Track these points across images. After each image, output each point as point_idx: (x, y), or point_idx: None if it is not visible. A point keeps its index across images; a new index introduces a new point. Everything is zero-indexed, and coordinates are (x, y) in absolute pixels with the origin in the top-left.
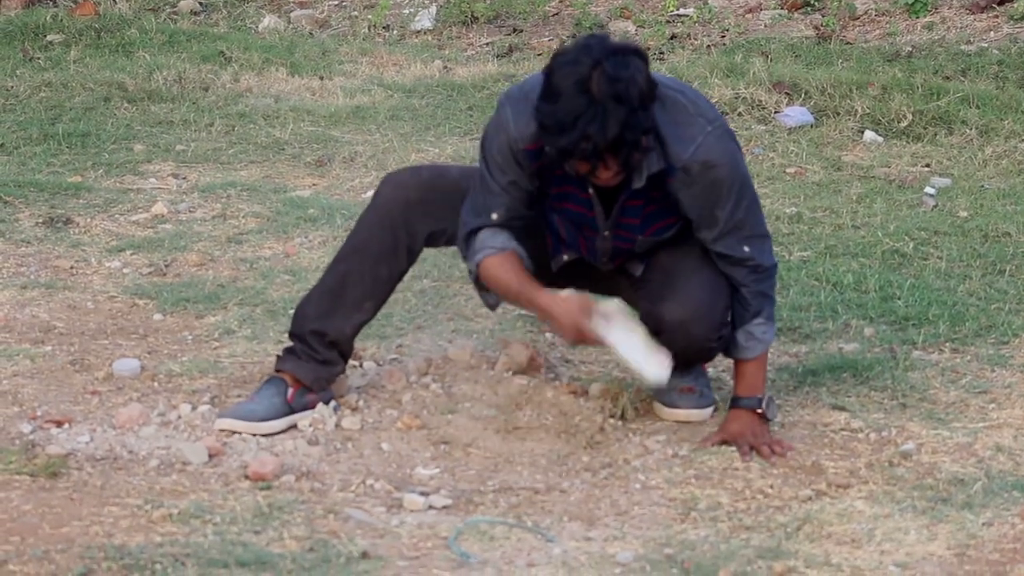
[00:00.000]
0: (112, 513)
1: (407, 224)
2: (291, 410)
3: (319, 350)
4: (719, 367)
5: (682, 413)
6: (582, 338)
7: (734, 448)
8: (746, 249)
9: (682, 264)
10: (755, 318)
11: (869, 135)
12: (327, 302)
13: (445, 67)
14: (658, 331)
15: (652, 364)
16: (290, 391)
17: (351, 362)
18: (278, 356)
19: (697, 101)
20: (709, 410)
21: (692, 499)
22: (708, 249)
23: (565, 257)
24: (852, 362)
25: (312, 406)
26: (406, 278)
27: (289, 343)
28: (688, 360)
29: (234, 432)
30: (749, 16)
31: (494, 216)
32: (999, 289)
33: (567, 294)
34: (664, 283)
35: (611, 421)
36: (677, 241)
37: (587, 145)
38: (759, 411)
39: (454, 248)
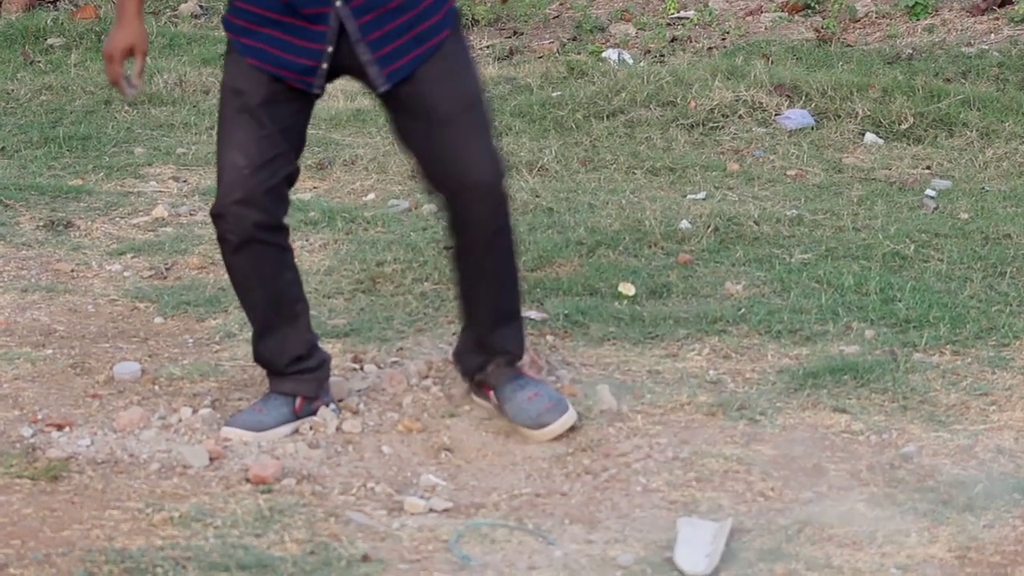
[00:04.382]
0: (113, 516)
1: (262, 233)
2: (298, 418)
3: (306, 364)
4: (720, 370)
5: (557, 427)
6: (109, 76)
7: (736, 450)
8: None
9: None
10: None
11: (870, 137)
12: (276, 337)
13: None
14: (451, 206)
15: None
16: (298, 401)
17: (352, 365)
18: (270, 379)
19: None
20: (571, 409)
21: (693, 501)
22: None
23: None
24: (853, 364)
25: (315, 411)
26: (407, 280)
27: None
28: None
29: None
30: (750, 19)
31: None
32: (1000, 291)
33: (134, 36)
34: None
35: (612, 423)
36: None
37: None
38: None
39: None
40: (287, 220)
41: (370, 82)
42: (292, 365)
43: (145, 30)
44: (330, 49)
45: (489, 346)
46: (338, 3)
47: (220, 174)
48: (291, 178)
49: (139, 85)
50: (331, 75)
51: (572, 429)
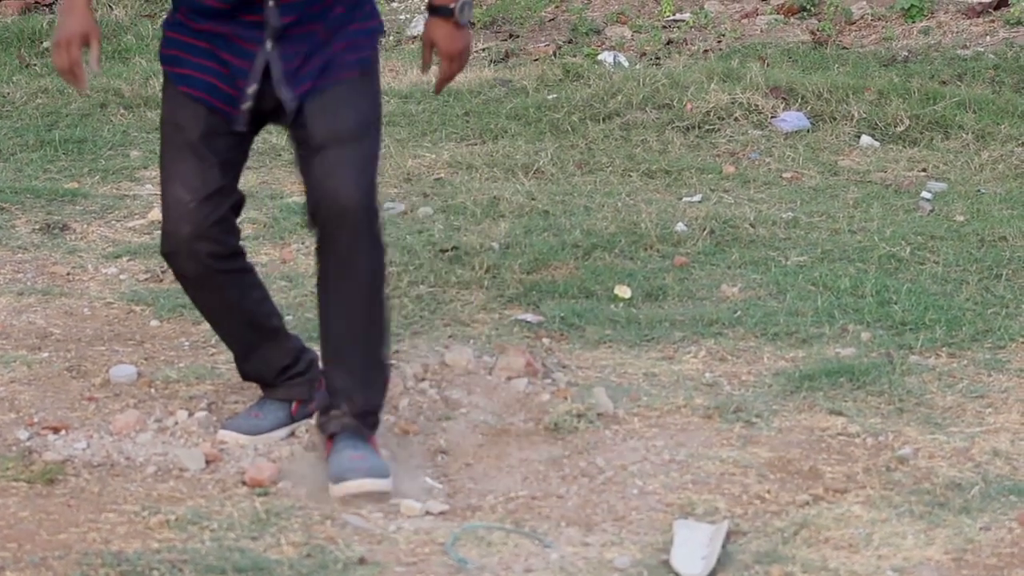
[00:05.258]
0: (109, 519)
1: (218, 263)
2: (294, 420)
3: (295, 371)
4: (717, 372)
5: (353, 485)
6: (65, 63)
7: (732, 452)
8: None
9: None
10: None
11: (866, 140)
12: (259, 355)
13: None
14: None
15: None
16: (294, 405)
17: None
18: (263, 388)
19: None
20: (388, 479)
21: (689, 504)
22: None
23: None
24: (849, 367)
25: (311, 413)
26: (403, 284)
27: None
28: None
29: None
30: (745, 21)
31: None
32: (996, 294)
33: (88, 24)
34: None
35: (608, 425)
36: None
37: None
38: (454, 19)
39: (451, 254)
40: (241, 244)
41: (284, 108)
42: (281, 375)
43: (95, 19)
44: (250, 90)
45: (337, 388)
46: (268, 47)
47: (165, 211)
48: (237, 207)
49: (98, 70)
50: (257, 120)
51: (569, 432)
